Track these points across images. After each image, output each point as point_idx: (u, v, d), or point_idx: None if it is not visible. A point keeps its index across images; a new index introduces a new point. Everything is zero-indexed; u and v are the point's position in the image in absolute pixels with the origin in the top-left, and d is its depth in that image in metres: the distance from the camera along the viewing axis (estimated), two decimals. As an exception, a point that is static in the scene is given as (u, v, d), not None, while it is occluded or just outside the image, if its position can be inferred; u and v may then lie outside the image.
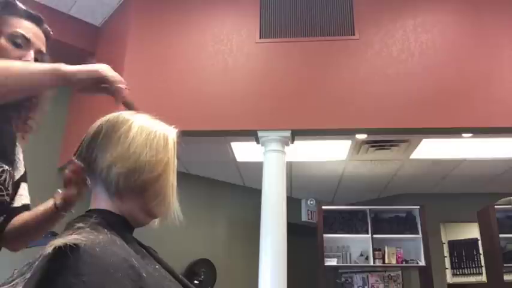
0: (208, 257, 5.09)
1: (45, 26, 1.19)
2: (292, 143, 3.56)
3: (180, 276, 0.88)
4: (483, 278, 5.70)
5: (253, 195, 4.43)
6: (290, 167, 4.67)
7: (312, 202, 6.24)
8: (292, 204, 5.58)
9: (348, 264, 4.52)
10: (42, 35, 1.17)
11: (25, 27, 1.13)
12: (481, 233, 4.61)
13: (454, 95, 3.39)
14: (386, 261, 4.33)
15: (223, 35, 3.74)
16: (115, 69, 1.05)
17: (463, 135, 3.56)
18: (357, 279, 4.60)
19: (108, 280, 0.67)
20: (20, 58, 1.08)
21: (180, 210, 0.90)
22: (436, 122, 3.36)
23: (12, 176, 1.12)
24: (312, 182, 5.45)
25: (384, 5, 3.76)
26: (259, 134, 3.45)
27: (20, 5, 1.15)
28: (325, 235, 4.37)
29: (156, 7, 3.91)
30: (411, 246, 4.46)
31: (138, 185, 0.84)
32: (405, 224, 4.53)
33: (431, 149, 4.18)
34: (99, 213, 0.83)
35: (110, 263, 0.69)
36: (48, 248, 0.67)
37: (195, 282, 4.86)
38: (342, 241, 4.56)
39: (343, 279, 4.67)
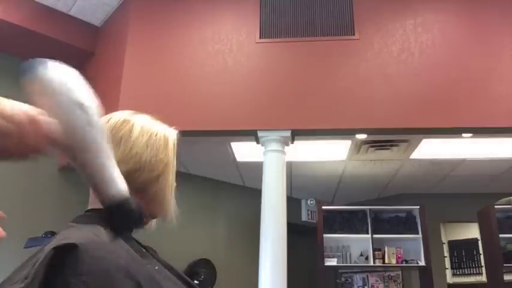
0: (208, 257, 5.09)
1: None
2: (292, 143, 3.56)
3: (181, 273, 0.88)
4: (483, 278, 5.70)
5: (253, 195, 4.42)
6: (290, 167, 4.67)
7: (312, 202, 6.24)
8: (292, 204, 5.58)
9: (348, 264, 4.51)
10: None
11: None
12: (481, 233, 4.61)
13: (454, 95, 3.39)
14: (386, 261, 4.32)
15: (223, 35, 3.74)
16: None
17: (463, 135, 3.55)
18: (357, 279, 4.60)
19: (108, 280, 0.67)
20: None
21: (178, 210, 0.90)
22: (436, 122, 3.35)
23: None
24: (312, 182, 5.45)
25: (384, 5, 3.76)
26: (259, 134, 3.45)
27: None
28: (325, 235, 4.36)
29: (156, 7, 3.91)
30: (411, 246, 4.44)
31: (138, 185, 0.84)
32: (405, 224, 4.52)
33: (431, 149, 4.18)
34: (99, 213, 0.83)
35: (109, 263, 0.69)
36: (48, 248, 0.67)
37: (195, 282, 4.86)
38: (342, 241, 4.55)
39: (343, 279, 4.66)
